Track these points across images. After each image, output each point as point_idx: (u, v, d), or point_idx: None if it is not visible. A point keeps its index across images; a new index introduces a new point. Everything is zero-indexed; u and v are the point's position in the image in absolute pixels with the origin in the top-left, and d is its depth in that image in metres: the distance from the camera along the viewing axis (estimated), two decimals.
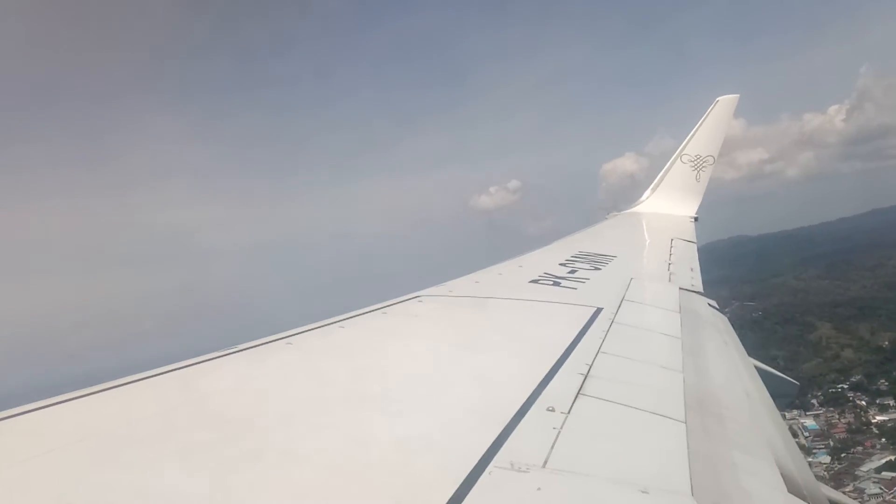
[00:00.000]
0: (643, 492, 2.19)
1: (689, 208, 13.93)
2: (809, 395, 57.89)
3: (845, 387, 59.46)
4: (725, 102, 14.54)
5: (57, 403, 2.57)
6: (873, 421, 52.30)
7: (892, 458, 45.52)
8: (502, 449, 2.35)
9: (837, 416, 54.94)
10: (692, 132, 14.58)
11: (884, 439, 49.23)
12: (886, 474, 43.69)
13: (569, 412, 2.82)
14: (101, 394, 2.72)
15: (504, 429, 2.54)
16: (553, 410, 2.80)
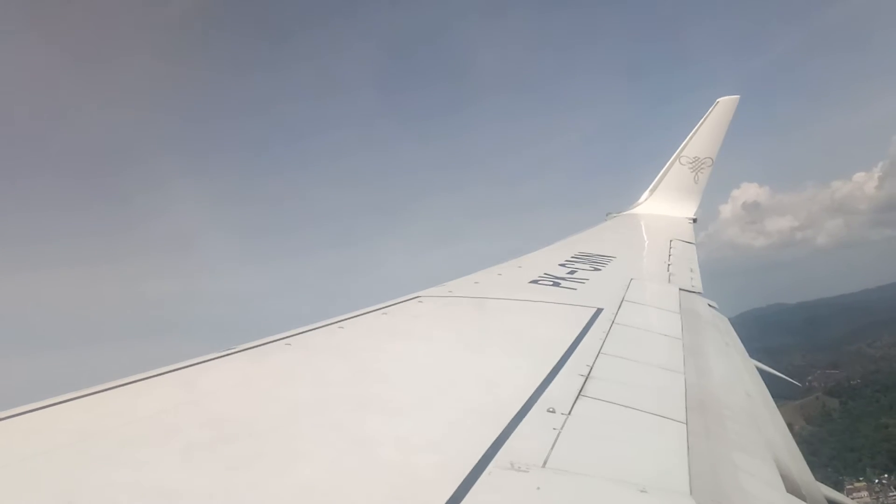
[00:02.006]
0: (642, 491, 2.20)
1: (688, 210, 13.93)
2: None
3: None
4: (726, 103, 14.52)
5: (58, 403, 2.57)
6: None
7: None
8: (502, 449, 2.35)
9: None
10: (691, 134, 14.55)
11: None
12: None
13: (569, 413, 2.82)
14: (101, 394, 2.72)
15: (504, 429, 2.54)
16: (553, 411, 2.80)
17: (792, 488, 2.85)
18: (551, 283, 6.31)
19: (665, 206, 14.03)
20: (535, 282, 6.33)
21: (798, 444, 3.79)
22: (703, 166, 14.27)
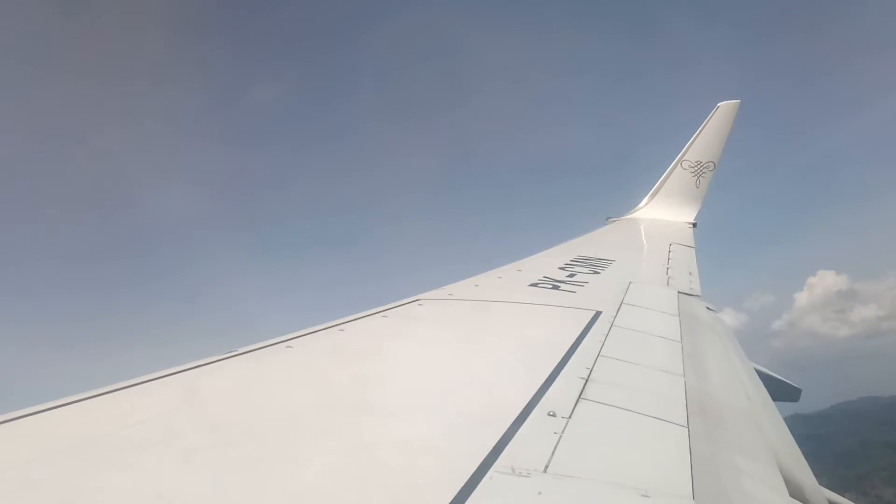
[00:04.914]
0: (644, 496, 2.18)
1: (688, 214, 13.90)
2: None
3: None
4: (726, 108, 14.51)
5: (58, 406, 2.56)
6: None
7: None
8: (503, 453, 2.34)
9: None
10: (693, 138, 14.52)
11: None
12: None
13: (570, 417, 2.80)
14: (101, 397, 2.71)
15: (505, 433, 2.53)
16: (554, 415, 2.79)
17: (795, 492, 2.84)
18: (551, 286, 6.31)
19: (665, 210, 14.01)
20: (534, 285, 6.33)
21: None
22: (705, 170, 14.24)
